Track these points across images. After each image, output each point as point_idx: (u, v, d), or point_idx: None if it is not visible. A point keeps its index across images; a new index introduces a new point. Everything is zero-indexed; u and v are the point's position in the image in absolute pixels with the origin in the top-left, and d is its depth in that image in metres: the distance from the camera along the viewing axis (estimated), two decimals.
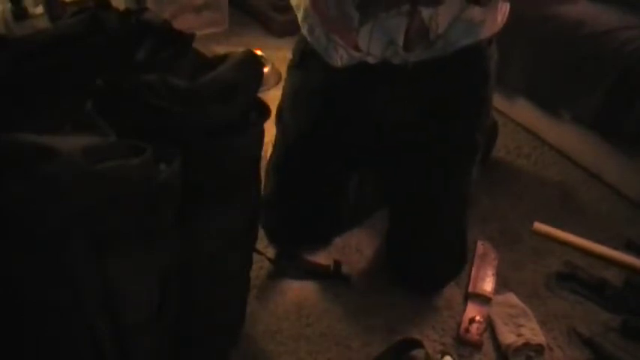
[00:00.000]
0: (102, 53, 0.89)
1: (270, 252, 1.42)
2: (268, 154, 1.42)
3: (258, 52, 1.90)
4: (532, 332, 1.25)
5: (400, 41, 1.12)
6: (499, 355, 1.25)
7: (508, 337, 1.25)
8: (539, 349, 1.23)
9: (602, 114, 1.61)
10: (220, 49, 2.02)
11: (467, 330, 1.27)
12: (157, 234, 0.82)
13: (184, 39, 0.93)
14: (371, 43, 1.13)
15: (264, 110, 0.97)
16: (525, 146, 1.86)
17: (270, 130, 1.18)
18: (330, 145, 1.34)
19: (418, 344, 1.23)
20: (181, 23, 2.04)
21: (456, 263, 1.38)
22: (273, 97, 1.38)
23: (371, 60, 1.16)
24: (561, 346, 1.27)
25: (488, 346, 1.26)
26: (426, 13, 1.09)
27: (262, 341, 1.24)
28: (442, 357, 1.21)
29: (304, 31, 1.25)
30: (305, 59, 1.31)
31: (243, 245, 1.07)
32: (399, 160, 1.32)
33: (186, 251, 0.90)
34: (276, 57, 2.14)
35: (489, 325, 1.29)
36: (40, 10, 2.14)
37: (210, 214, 0.92)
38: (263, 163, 1.08)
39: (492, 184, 1.68)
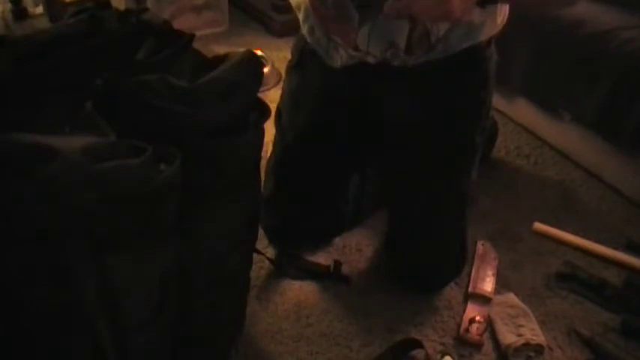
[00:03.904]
0: (102, 53, 0.89)
1: (270, 252, 1.42)
2: (268, 154, 1.42)
3: (258, 52, 1.90)
4: (532, 332, 1.25)
5: (402, 44, 1.12)
6: (499, 355, 1.25)
7: (508, 337, 1.25)
8: (539, 349, 1.23)
9: (602, 114, 1.61)
10: (220, 49, 2.02)
11: (467, 330, 1.27)
12: (156, 234, 0.82)
13: (184, 39, 0.93)
14: (370, 43, 1.13)
15: (264, 110, 0.97)
16: (525, 146, 1.85)
17: (270, 130, 1.19)
18: (328, 146, 1.34)
19: (418, 344, 1.23)
20: (181, 23, 2.04)
21: (456, 263, 1.38)
22: (273, 97, 1.38)
23: (370, 60, 1.16)
24: (561, 346, 1.27)
25: (488, 346, 1.26)
26: None
27: (262, 341, 1.24)
28: (442, 357, 1.21)
29: (304, 31, 1.25)
30: (303, 59, 1.31)
31: (243, 245, 1.07)
32: (398, 160, 1.32)
33: (186, 251, 0.90)
34: (276, 57, 2.14)
35: (489, 325, 1.29)
36: (40, 10, 2.15)
37: (210, 214, 0.92)
38: (263, 163, 1.08)
39: (492, 184, 1.68)
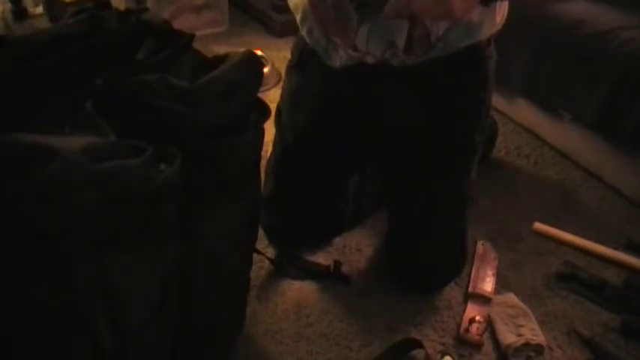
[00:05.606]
0: (102, 53, 0.89)
1: (270, 252, 1.42)
2: (268, 154, 1.42)
3: (258, 52, 1.90)
4: (532, 332, 1.25)
5: (402, 44, 1.12)
6: (499, 355, 1.24)
7: (508, 337, 1.25)
8: (539, 349, 1.23)
9: (602, 114, 1.61)
10: (220, 49, 2.02)
11: (467, 330, 1.27)
12: (156, 234, 0.82)
13: (184, 39, 0.93)
14: (369, 43, 1.13)
15: (264, 110, 0.97)
16: (525, 146, 1.85)
17: (270, 130, 1.19)
18: (328, 146, 1.34)
19: (418, 344, 1.23)
20: (181, 23, 2.05)
21: (456, 263, 1.38)
22: (273, 97, 1.38)
23: (370, 60, 1.16)
24: (561, 346, 1.27)
25: (488, 346, 1.26)
26: None
27: (262, 341, 1.24)
28: (442, 357, 1.21)
29: (303, 32, 1.25)
30: (303, 59, 1.31)
31: (243, 245, 1.07)
32: (398, 160, 1.32)
33: (186, 251, 0.90)
34: (276, 57, 2.14)
35: (489, 325, 1.29)
36: (40, 10, 2.15)
37: (210, 214, 0.92)
38: (263, 163, 1.08)
39: (492, 184, 1.68)
